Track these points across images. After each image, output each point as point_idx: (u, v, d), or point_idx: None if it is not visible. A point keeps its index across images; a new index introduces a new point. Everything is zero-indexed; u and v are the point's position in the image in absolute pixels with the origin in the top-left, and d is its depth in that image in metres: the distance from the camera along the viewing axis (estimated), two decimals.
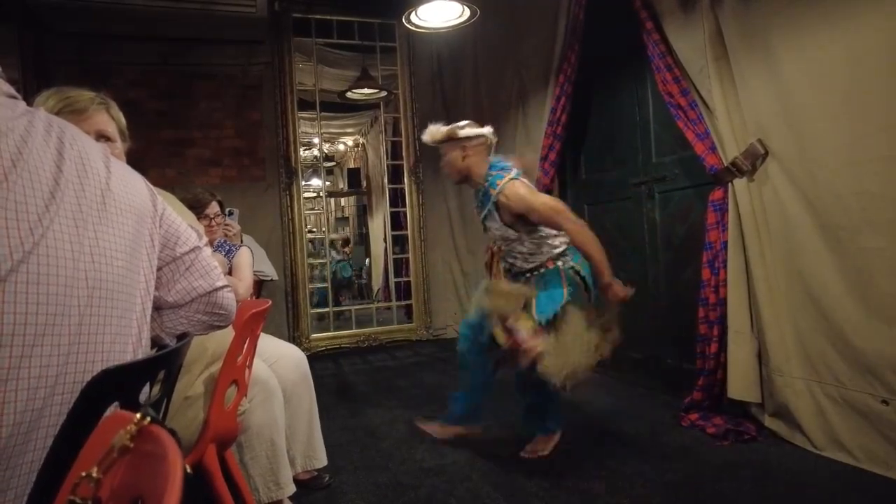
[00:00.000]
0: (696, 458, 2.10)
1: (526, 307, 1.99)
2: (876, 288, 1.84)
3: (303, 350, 2.39)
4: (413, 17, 3.13)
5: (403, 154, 5.02)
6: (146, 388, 0.80)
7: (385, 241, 6.20)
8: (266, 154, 4.67)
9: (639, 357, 3.16)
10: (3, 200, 0.63)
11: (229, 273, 2.27)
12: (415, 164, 4.97)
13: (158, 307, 0.91)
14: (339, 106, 5.69)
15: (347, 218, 11.09)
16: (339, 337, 4.78)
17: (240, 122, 4.65)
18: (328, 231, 6.18)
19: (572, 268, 2.09)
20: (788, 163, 2.10)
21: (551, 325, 1.96)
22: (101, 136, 1.16)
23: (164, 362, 0.83)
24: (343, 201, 10.92)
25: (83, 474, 0.49)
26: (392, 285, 5.50)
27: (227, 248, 2.38)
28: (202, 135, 4.56)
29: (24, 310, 0.63)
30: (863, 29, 1.82)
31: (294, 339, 4.51)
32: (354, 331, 4.86)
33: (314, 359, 3.67)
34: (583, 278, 2.09)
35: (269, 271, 3.40)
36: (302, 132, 4.96)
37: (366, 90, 5.07)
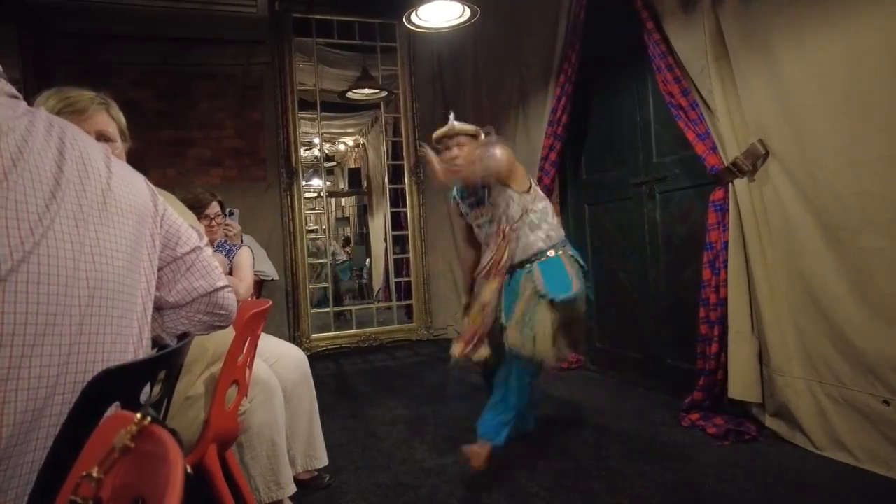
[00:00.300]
0: (697, 458, 2.10)
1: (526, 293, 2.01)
2: (876, 288, 1.84)
3: (303, 350, 2.39)
4: (413, 18, 3.13)
5: (404, 154, 5.02)
6: (147, 388, 0.81)
7: (385, 241, 6.20)
8: (266, 154, 4.68)
9: (639, 357, 3.16)
10: (4, 200, 0.63)
11: (230, 273, 2.27)
12: (415, 164, 4.96)
13: (159, 307, 0.91)
14: (339, 106, 5.69)
15: (348, 218, 11.10)
16: (339, 337, 4.79)
17: (240, 123, 4.65)
18: (328, 232, 6.17)
19: (572, 256, 2.11)
20: (789, 163, 2.09)
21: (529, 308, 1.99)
22: (102, 137, 1.16)
23: (165, 362, 0.83)
24: (343, 201, 10.93)
25: (84, 474, 0.49)
26: (392, 285, 5.50)
27: (228, 248, 2.38)
28: (202, 135, 4.56)
29: (24, 310, 0.63)
30: (863, 29, 1.82)
31: (294, 339, 4.51)
32: (355, 331, 4.86)
33: (315, 359, 3.66)
34: (581, 267, 2.11)
35: (270, 271, 3.40)
36: (302, 132, 4.95)
37: (366, 90, 5.06)
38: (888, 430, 1.83)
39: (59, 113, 1.09)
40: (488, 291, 2.08)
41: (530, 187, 2.12)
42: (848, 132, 1.88)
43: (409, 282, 5.09)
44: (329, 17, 4.72)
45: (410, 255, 5.04)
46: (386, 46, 4.90)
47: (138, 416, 0.52)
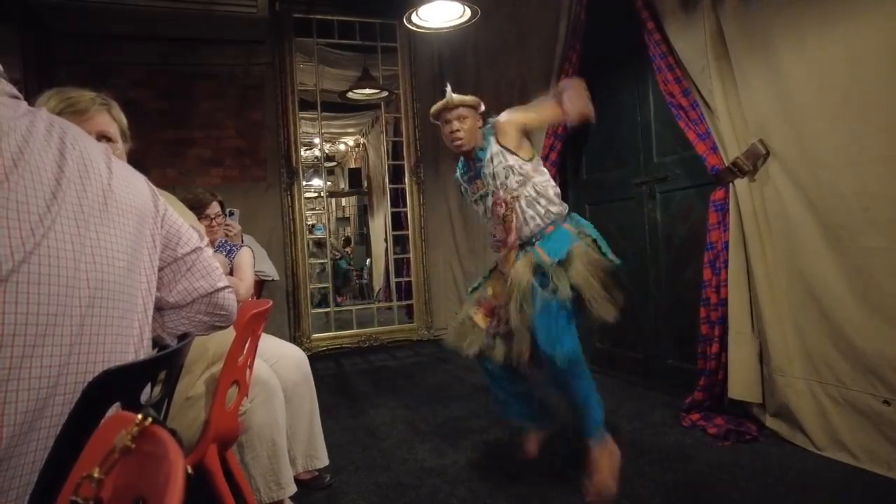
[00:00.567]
0: (697, 458, 2.09)
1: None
2: (877, 288, 1.84)
3: (304, 350, 2.39)
4: (414, 18, 3.13)
5: (404, 154, 5.02)
6: (147, 389, 0.81)
7: (386, 241, 6.20)
8: (267, 154, 4.68)
9: (639, 357, 3.16)
10: (5, 200, 0.63)
11: (230, 273, 2.28)
12: (416, 164, 4.96)
13: (160, 308, 0.91)
14: (340, 106, 5.69)
15: (348, 218, 11.11)
16: (339, 337, 4.78)
17: (241, 123, 4.65)
18: (329, 232, 6.17)
19: (578, 230, 2.01)
20: (790, 163, 2.09)
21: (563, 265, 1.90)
22: (103, 137, 1.16)
23: (166, 363, 0.83)
24: (344, 201, 10.94)
25: (85, 475, 0.49)
26: (393, 285, 5.50)
27: (228, 248, 2.38)
28: (203, 135, 4.56)
29: (24, 310, 0.63)
30: (863, 29, 1.82)
31: (295, 339, 4.51)
32: (355, 331, 4.86)
33: (315, 359, 3.66)
34: (594, 241, 2.00)
35: (270, 271, 3.40)
36: (303, 132, 4.96)
37: (367, 90, 5.06)
38: (888, 430, 1.83)
39: (60, 113, 1.09)
40: (508, 263, 2.03)
41: (533, 157, 2.05)
42: (848, 132, 1.88)
43: (410, 282, 5.09)
44: (330, 18, 4.72)
45: (411, 255, 5.04)
46: (386, 46, 4.90)
47: (139, 416, 0.52)
